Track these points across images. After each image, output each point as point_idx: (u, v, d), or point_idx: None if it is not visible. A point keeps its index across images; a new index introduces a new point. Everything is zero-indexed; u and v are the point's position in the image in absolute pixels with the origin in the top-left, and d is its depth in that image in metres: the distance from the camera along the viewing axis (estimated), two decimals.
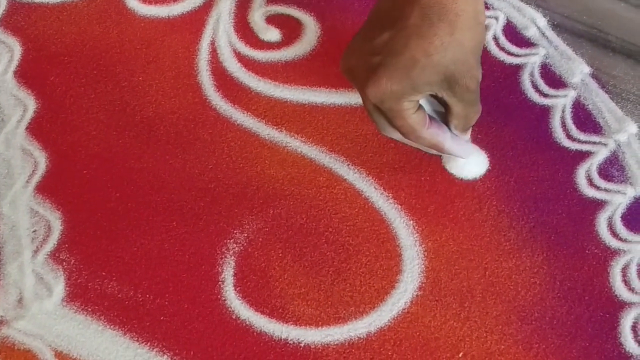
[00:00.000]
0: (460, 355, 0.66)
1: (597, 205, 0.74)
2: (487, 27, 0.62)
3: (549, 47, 0.82)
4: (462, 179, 0.75)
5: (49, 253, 0.70)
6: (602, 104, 0.79)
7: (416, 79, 0.60)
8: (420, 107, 0.64)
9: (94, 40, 0.82)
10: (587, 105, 0.79)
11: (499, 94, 0.79)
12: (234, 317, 0.68)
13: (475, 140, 0.76)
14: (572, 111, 0.79)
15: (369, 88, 0.61)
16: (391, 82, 0.60)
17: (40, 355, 0.66)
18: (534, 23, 0.84)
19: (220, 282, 0.69)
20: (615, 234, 0.72)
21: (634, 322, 0.68)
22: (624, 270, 0.70)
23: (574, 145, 0.77)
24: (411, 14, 0.59)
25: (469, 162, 0.74)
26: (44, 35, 0.82)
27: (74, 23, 0.83)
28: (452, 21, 0.58)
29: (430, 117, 0.66)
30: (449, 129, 0.68)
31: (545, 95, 0.79)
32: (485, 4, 0.85)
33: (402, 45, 0.59)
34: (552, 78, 0.81)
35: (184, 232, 0.71)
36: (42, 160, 0.75)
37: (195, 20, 0.83)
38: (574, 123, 0.78)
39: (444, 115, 0.67)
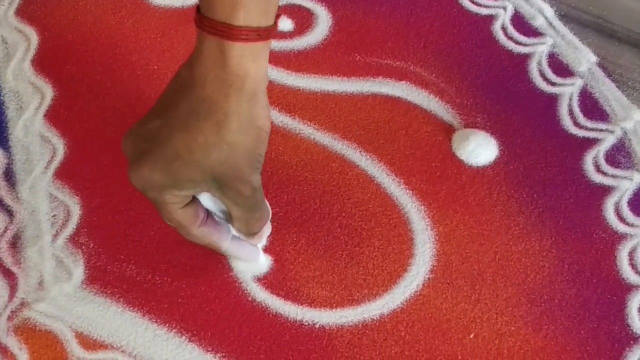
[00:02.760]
0: (471, 336, 0.68)
1: (605, 190, 0.75)
2: (267, 133, 0.58)
3: (556, 36, 0.84)
4: (472, 166, 0.76)
5: (68, 237, 0.71)
6: (608, 92, 0.80)
7: (177, 174, 0.56)
8: (192, 202, 0.60)
9: (110, 29, 0.83)
10: (594, 93, 0.81)
11: (507, 82, 0.81)
12: (249, 299, 0.69)
13: (485, 127, 0.78)
14: (579, 99, 0.80)
15: (131, 174, 0.57)
16: (152, 173, 0.56)
17: (61, 336, 0.67)
18: (541, 13, 0.86)
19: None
20: (622, 219, 0.74)
21: None
22: (631, 254, 0.72)
23: (581, 133, 0.78)
24: (181, 105, 0.55)
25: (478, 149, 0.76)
26: (60, 25, 0.83)
27: (90, 13, 0.84)
28: (220, 120, 0.54)
29: (210, 214, 0.62)
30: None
31: (553, 84, 0.81)
32: None
33: (167, 137, 0.55)
34: (560, 67, 0.82)
35: None
36: (60, 146, 0.76)
37: None
38: (581, 111, 0.79)
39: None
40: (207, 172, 0.56)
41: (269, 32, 0.55)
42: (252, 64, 0.54)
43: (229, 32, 0.53)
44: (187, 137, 0.54)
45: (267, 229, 0.67)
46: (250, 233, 0.65)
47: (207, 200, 0.62)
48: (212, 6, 0.53)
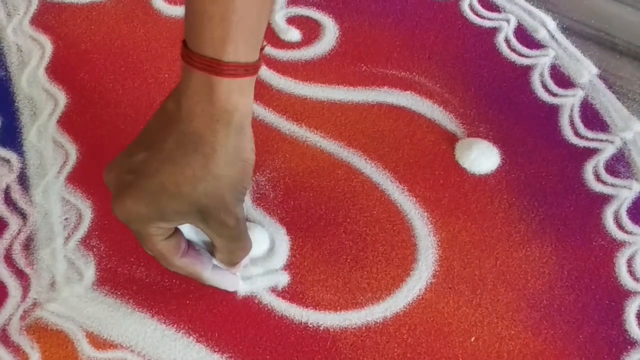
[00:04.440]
0: (472, 339, 0.69)
1: (604, 199, 0.77)
2: (251, 165, 0.58)
3: (558, 49, 0.86)
4: (474, 174, 0.78)
5: (80, 239, 0.73)
6: (609, 104, 0.82)
7: (164, 206, 0.56)
8: (175, 233, 0.60)
9: (122, 38, 0.85)
10: (595, 104, 0.82)
11: (510, 93, 0.83)
12: (256, 301, 0.71)
13: (487, 137, 0.79)
14: (580, 110, 0.82)
15: (114, 206, 0.58)
16: (137, 205, 0.57)
17: (72, 335, 0.68)
18: (543, 26, 0.87)
19: None
20: (621, 227, 0.75)
21: (639, 310, 0.71)
22: (630, 260, 0.73)
23: (581, 143, 0.80)
24: (168, 138, 0.56)
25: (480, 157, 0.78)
26: (74, 34, 0.85)
27: (103, 22, 0.86)
28: (208, 154, 0.55)
29: (191, 245, 0.63)
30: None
31: (555, 95, 0.83)
32: (497, 7, 0.88)
33: (154, 169, 0.56)
34: (561, 78, 0.84)
35: None
36: (72, 152, 0.78)
37: None
38: (582, 121, 0.81)
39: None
40: (193, 205, 0.56)
41: (256, 67, 0.56)
42: (240, 98, 0.55)
43: (218, 68, 0.54)
44: (175, 170, 0.55)
45: (246, 259, 0.68)
46: (234, 262, 0.66)
47: (188, 230, 0.63)
48: (201, 41, 0.54)
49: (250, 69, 0.56)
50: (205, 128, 0.55)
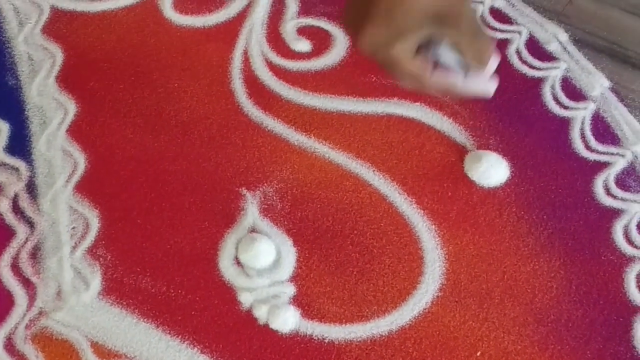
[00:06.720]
0: (478, 354, 0.69)
1: (614, 213, 0.76)
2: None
3: (570, 61, 0.85)
4: (483, 186, 0.77)
5: (86, 249, 0.73)
6: (620, 117, 0.81)
7: (400, 21, 0.57)
8: (419, 53, 0.60)
9: (132, 48, 0.85)
10: (606, 117, 0.82)
11: (520, 105, 0.82)
12: None
13: (497, 149, 0.79)
14: (591, 123, 0.81)
15: (360, 41, 0.58)
16: (377, 29, 0.57)
17: (77, 345, 0.69)
18: (555, 38, 0.87)
19: None
20: (630, 242, 0.74)
21: None
22: (639, 276, 0.73)
23: (592, 156, 0.79)
24: None
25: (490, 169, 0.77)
26: (85, 43, 0.86)
27: (114, 31, 0.86)
28: None
29: (439, 64, 0.62)
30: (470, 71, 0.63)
31: (566, 108, 0.82)
32: (509, 19, 0.88)
33: None
34: (573, 91, 0.83)
35: (215, 232, 0.74)
36: (81, 161, 0.78)
37: (229, 31, 0.86)
38: (593, 134, 0.80)
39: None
40: (423, 11, 0.57)
41: None
42: None
43: None
44: None
45: (494, 60, 0.67)
46: (483, 61, 0.63)
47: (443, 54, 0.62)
48: None
49: None
50: None
